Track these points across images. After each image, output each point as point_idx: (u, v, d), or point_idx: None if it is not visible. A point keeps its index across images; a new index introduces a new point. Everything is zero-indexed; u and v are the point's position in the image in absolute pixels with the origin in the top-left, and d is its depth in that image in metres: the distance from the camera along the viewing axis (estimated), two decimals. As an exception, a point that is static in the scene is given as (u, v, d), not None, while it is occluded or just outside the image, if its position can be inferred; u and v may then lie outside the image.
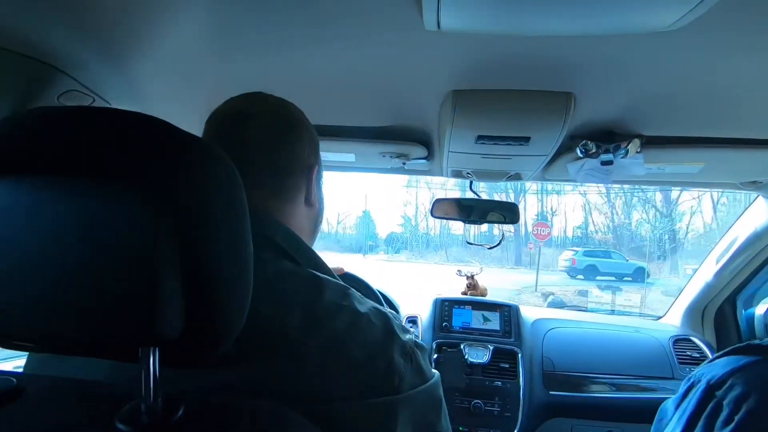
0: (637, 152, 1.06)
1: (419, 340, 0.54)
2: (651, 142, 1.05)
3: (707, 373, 0.55)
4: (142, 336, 0.33)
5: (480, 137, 1.01)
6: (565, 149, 1.10)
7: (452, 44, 0.72)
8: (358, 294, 0.54)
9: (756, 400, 0.48)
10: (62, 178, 0.33)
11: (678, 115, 0.95)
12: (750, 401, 0.49)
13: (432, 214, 1.58)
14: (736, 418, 0.48)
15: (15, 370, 0.47)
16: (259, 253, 0.40)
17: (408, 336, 0.52)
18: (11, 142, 0.35)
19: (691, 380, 0.57)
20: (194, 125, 0.58)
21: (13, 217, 0.33)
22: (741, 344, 0.56)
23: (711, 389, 0.53)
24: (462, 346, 1.52)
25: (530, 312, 1.76)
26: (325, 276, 0.53)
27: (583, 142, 1.06)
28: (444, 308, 1.66)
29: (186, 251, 0.34)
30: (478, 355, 1.52)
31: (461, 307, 1.67)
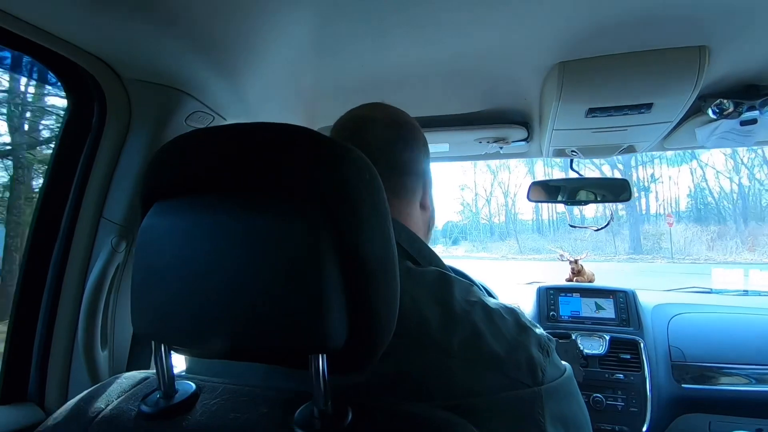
0: (790, 105, 0.89)
1: (547, 335, 0.53)
2: (807, 91, 0.88)
3: None
4: (312, 344, 0.34)
5: (591, 110, 0.92)
6: (693, 112, 0.96)
7: (557, 10, 0.67)
8: (481, 290, 0.54)
9: None
10: (229, 196, 0.35)
11: None
12: None
13: (528, 198, 1.49)
14: None
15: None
16: None
17: (539, 330, 0.52)
18: (180, 165, 0.37)
19: None
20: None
21: (187, 233, 0.36)
22: None
23: None
24: (574, 336, 1.42)
25: (648, 297, 1.59)
26: (449, 273, 0.53)
27: (717, 101, 0.92)
28: (549, 297, 1.57)
29: (344, 259, 0.34)
30: (593, 345, 1.41)
31: (568, 294, 1.56)
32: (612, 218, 1.49)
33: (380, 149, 0.59)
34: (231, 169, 0.35)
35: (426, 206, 0.65)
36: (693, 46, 0.75)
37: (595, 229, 1.57)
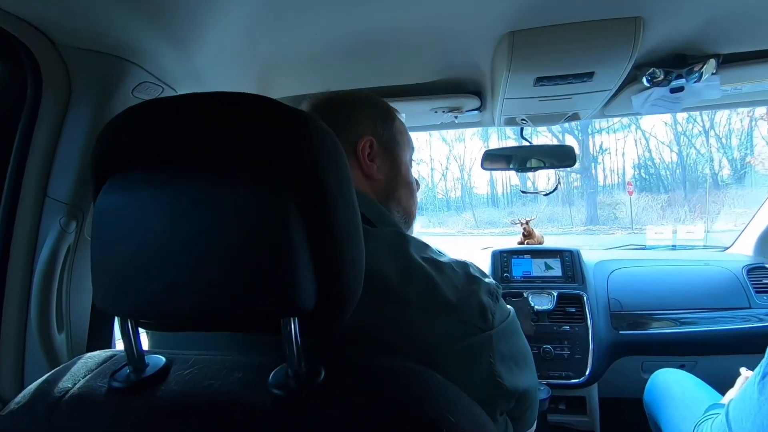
0: (713, 74, 0.98)
1: (495, 282, 0.57)
2: (727, 61, 0.97)
3: None
4: (284, 308, 0.36)
5: (539, 79, 0.96)
6: (629, 81, 1.03)
7: None
8: (434, 246, 0.57)
9: None
10: (191, 167, 0.35)
11: (759, 26, 0.86)
12: None
13: (482, 167, 1.54)
14: None
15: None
16: None
17: (488, 279, 0.56)
18: (135, 138, 0.37)
19: None
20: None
21: (149, 208, 0.35)
22: None
23: None
24: (526, 295, 1.53)
25: (591, 255, 1.73)
26: (405, 232, 0.57)
27: (651, 70, 0.99)
28: (503, 259, 1.66)
29: (311, 225, 0.35)
30: (543, 302, 1.52)
31: (520, 256, 1.66)
32: (559, 183, 1.58)
33: (340, 121, 0.61)
34: (190, 140, 0.35)
35: (373, 176, 0.67)
36: (629, 17, 0.80)
37: (545, 193, 1.67)
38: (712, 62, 0.95)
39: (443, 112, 1.16)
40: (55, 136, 0.67)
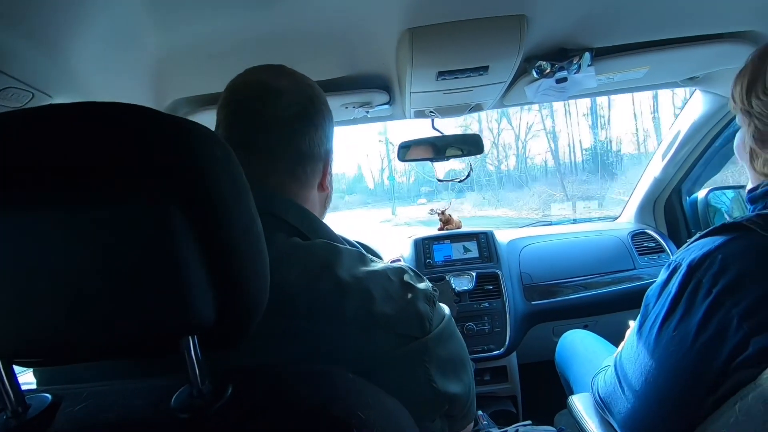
0: (589, 65, 1.09)
1: (431, 285, 0.57)
2: (600, 54, 1.09)
3: (686, 256, 0.61)
4: (179, 327, 0.34)
5: (440, 73, 1.01)
6: (521, 73, 1.12)
7: None
8: (368, 255, 0.56)
9: (733, 273, 0.54)
10: (60, 188, 0.32)
11: (624, 22, 0.98)
12: (727, 275, 0.55)
13: (399, 158, 1.58)
14: (714, 290, 0.55)
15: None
16: (268, 234, 0.40)
17: (423, 284, 0.56)
18: None
19: (672, 265, 0.63)
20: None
21: (13, 238, 0.31)
22: (715, 226, 0.61)
23: (692, 270, 0.58)
24: (447, 278, 1.61)
25: (504, 235, 1.86)
26: (337, 243, 0.55)
27: (538, 63, 1.08)
28: (425, 246, 1.73)
29: (204, 238, 0.33)
30: (463, 283, 1.61)
31: (440, 242, 1.74)
32: (471, 170, 1.67)
33: (281, 134, 0.55)
34: (56, 156, 0.31)
35: (324, 187, 0.63)
36: (514, 15, 0.87)
37: (459, 180, 1.75)
38: (587, 55, 1.06)
39: (354, 107, 1.17)
40: None
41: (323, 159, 0.61)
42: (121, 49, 0.76)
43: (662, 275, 0.65)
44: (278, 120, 0.55)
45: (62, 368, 0.48)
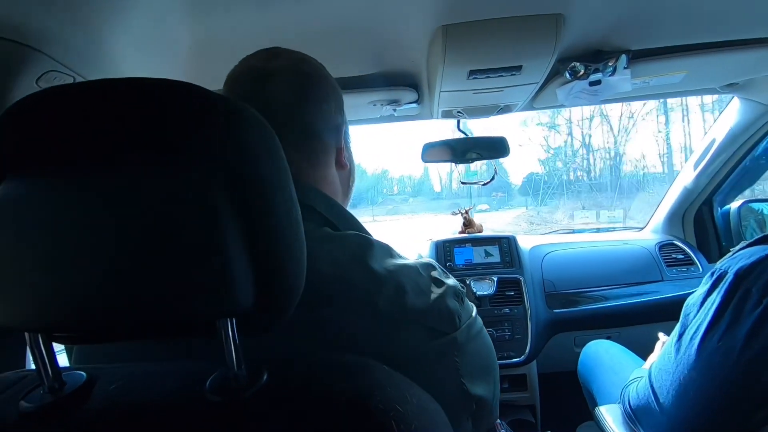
0: (624, 68, 1.07)
1: (458, 282, 0.56)
2: (637, 57, 1.06)
3: (733, 264, 0.58)
4: (219, 309, 0.33)
5: (472, 72, 0.99)
6: (553, 74, 1.10)
7: None
8: (396, 249, 0.55)
9: None
10: (106, 162, 0.32)
11: (664, 24, 0.96)
12: None
13: (423, 160, 1.57)
14: (765, 300, 0.52)
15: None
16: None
17: (451, 280, 0.55)
18: (34, 131, 0.32)
19: (716, 274, 0.61)
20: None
21: (58, 210, 0.31)
22: (763, 234, 0.59)
23: (739, 279, 0.56)
24: (468, 282, 1.59)
25: (526, 241, 1.83)
26: (369, 236, 0.54)
27: (572, 64, 1.06)
28: (445, 249, 1.71)
29: (246, 219, 0.33)
30: (484, 287, 1.59)
31: (461, 245, 1.72)
32: (496, 173, 1.65)
33: (284, 111, 0.54)
34: (101, 130, 0.31)
35: (343, 164, 0.61)
36: (550, 14, 0.85)
37: (483, 183, 1.73)
38: (624, 57, 1.04)
39: (381, 105, 1.16)
40: None
41: (334, 134, 0.59)
42: (156, 38, 0.78)
43: (704, 284, 0.62)
44: (275, 101, 0.54)
45: (95, 350, 0.48)
